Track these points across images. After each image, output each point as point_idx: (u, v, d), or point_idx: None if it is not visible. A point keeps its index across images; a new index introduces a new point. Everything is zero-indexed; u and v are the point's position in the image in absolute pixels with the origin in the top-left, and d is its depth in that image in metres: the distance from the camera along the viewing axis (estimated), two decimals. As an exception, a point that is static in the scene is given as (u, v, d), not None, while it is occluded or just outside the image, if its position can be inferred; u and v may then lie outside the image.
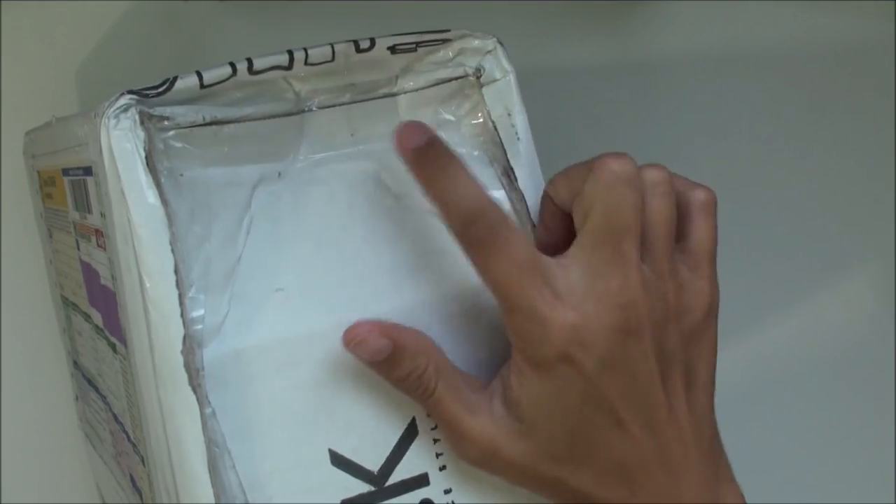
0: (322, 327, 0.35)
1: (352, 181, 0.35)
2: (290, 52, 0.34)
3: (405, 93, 0.36)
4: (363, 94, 0.35)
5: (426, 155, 0.33)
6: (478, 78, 0.37)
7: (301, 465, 0.34)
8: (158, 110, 0.32)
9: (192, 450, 0.32)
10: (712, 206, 0.38)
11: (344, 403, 0.35)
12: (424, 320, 0.37)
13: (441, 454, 0.36)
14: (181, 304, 0.32)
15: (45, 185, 0.52)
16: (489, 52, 0.37)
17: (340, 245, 0.35)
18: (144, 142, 0.31)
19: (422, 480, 0.36)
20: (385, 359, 0.34)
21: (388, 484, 0.36)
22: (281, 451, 0.34)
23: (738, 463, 0.39)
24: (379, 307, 0.35)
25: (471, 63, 0.37)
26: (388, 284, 0.36)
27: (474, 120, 0.37)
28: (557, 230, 0.37)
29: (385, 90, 0.36)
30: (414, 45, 0.36)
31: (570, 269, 0.34)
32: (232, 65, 0.33)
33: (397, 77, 0.36)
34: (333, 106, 0.35)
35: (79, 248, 0.44)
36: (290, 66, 0.34)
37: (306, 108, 0.35)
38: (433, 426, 0.36)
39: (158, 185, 0.32)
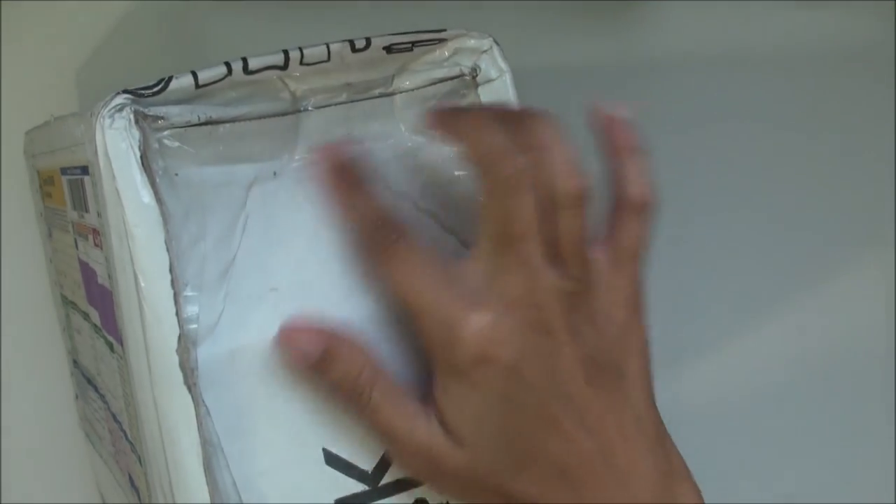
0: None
1: None
2: (286, 52, 0.34)
3: (401, 92, 0.36)
4: (359, 93, 0.35)
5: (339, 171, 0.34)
6: (474, 78, 0.37)
7: (295, 464, 0.34)
8: (153, 110, 0.32)
9: (186, 449, 0.32)
10: (646, 208, 0.37)
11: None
12: None
13: None
14: (176, 303, 0.32)
15: (45, 184, 0.52)
16: (485, 51, 0.37)
17: (335, 245, 0.35)
18: (139, 141, 0.31)
19: (415, 480, 0.36)
20: (319, 360, 0.34)
21: (382, 483, 0.36)
22: (275, 451, 0.34)
23: (738, 463, 0.39)
24: (372, 307, 0.35)
25: (467, 63, 0.37)
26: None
27: None
28: None
29: (381, 90, 0.36)
30: (410, 45, 0.36)
31: (474, 272, 0.34)
32: (227, 64, 0.33)
33: (393, 77, 0.36)
34: (329, 106, 0.35)
35: (77, 248, 0.44)
36: (285, 66, 0.34)
37: (302, 108, 0.35)
38: None
39: (153, 184, 0.32)
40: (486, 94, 0.37)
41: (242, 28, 0.64)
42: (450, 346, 0.33)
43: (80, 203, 0.40)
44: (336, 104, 0.35)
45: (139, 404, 0.34)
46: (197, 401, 0.32)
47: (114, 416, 0.44)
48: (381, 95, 0.36)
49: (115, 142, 0.31)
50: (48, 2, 0.62)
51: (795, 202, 0.60)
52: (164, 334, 0.32)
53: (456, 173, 0.36)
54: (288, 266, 0.34)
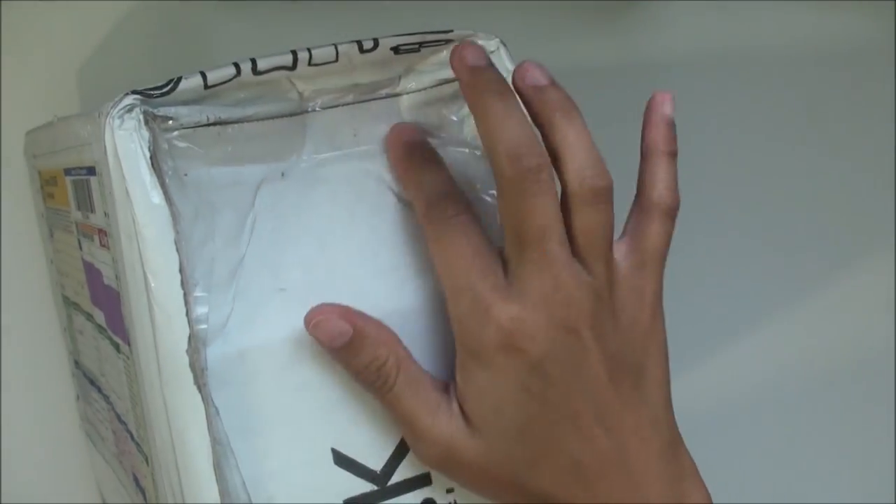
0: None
1: (354, 181, 0.35)
2: (294, 53, 0.34)
3: (407, 93, 0.36)
4: (366, 94, 0.36)
5: (409, 146, 0.35)
6: None
7: (304, 464, 0.34)
8: (163, 110, 0.32)
9: (197, 449, 0.32)
10: (672, 211, 0.38)
11: (347, 403, 0.35)
12: (424, 321, 0.37)
13: None
14: (186, 303, 0.32)
15: (47, 184, 0.52)
16: (492, 52, 0.37)
17: (343, 245, 0.35)
18: (149, 142, 0.31)
19: (424, 480, 0.36)
20: (345, 345, 0.34)
21: (390, 483, 0.36)
22: (284, 451, 0.34)
23: (738, 464, 0.39)
24: (381, 307, 0.35)
25: None
26: (391, 284, 0.36)
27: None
28: None
29: (387, 90, 0.36)
30: (417, 46, 0.36)
31: (508, 266, 0.35)
32: (236, 65, 0.33)
33: (400, 77, 0.36)
34: (336, 106, 0.35)
35: (81, 248, 0.44)
36: (293, 67, 0.34)
37: (309, 109, 0.35)
38: None
39: (163, 184, 0.32)
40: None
41: (242, 28, 0.64)
42: (478, 331, 0.34)
43: (86, 203, 0.40)
44: (343, 105, 0.35)
45: (148, 404, 0.34)
46: (207, 401, 0.32)
47: (118, 417, 0.44)
48: (387, 96, 0.36)
49: (125, 142, 0.32)
50: (48, 2, 0.62)
51: (795, 202, 0.60)
52: (175, 334, 0.32)
53: (462, 173, 0.36)
54: (297, 266, 0.34)
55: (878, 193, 0.58)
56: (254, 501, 0.33)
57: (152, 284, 0.32)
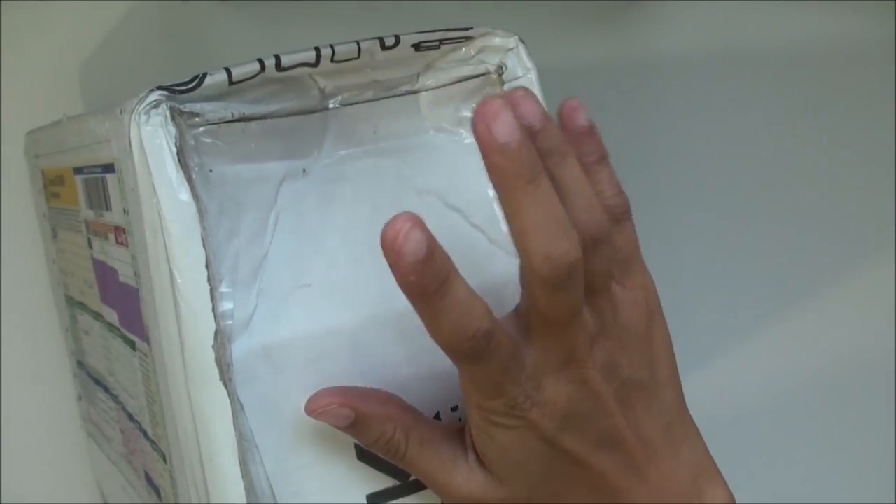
0: (348, 322, 0.35)
1: (375, 177, 0.36)
2: (318, 49, 0.34)
3: (427, 90, 0.36)
4: (386, 91, 0.36)
5: (424, 270, 0.30)
6: (500, 75, 0.37)
7: (327, 459, 0.34)
8: (188, 106, 0.32)
9: (222, 444, 0.32)
10: (626, 212, 0.37)
11: None
12: None
13: None
14: (212, 298, 0.32)
15: (51, 184, 0.52)
16: (511, 49, 0.37)
17: (365, 240, 0.35)
18: (176, 138, 0.32)
19: None
20: (350, 426, 0.34)
21: (413, 478, 0.36)
22: (308, 446, 0.34)
23: (738, 464, 0.39)
24: (403, 302, 0.35)
25: (492, 60, 0.37)
26: None
27: None
28: None
29: (407, 87, 0.36)
30: (437, 43, 0.36)
31: (524, 325, 0.33)
32: (260, 61, 0.33)
33: (419, 74, 0.36)
34: (357, 103, 0.35)
35: (91, 247, 0.44)
36: (316, 63, 0.34)
37: (330, 105, 0.35)
38: (459, 418, 0.37)
39: (190, 180, 0.32)
40: (513, 92, 0.37)
41: (242, 28, 0.64)
42: (491, 403, 0.33)
43: (100, 201, 0.40)
44: (363, 101, 0.35)
45: (171, 401, 0.34)
46: (232, 396, 0.32)
47: (129, 416, 0.44)
48: (406, 93, 0.36)
49: (151, 138, 0.32)
50: (49, 1, 0.62)
51: (795, 202, 0.60)
52: (201, 330, 0.32)
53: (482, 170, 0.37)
54: (320, 262, 0.34)
55: (879, 193, 0.58)
56: (278, 496, 0.34)
57: (178, 280, 0.32)
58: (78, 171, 0.44)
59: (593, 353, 0.34)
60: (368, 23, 0.61)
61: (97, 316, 0.47)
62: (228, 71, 0.33)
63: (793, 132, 0.59)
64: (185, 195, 0.31)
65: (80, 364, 0.56)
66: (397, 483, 0.36)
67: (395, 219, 0.29)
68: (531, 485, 0.35)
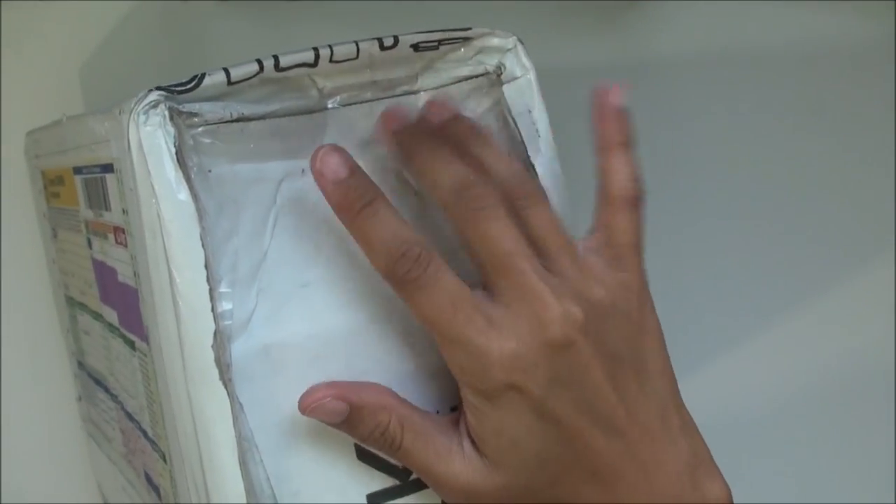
0: (348, 322, 0.35)
1: (374, 177, 0.36)
2: (316, 50, 0.34)
3: (425, 90, 0.36)
4: (384, 91, 0.36)
5: (348, 188, 0.33)
6: (498, 76, 0.37)
7: (327, 459, 0.35)
8: (187, 107, 0.32)
9: (222, 445, 0.32)
10: (636, 201, 0.37)
11: None
12: None
13: None
14: (211, 298, 0.32)
15: (51, 184, 0.52)
16: (509, 50, 0.37)
17: None
18: (174, 138, 0.32)
19: None
20: (345, 420, 0.35)
21: (412, 478, 0.36)
22: (308, 446, 0.34)
23: (738, 463, 0.39)
24: (402, 302, 0.35)
25: (491, 61, 0.37)
26: None
27: (495, 117, 0.37)
28: None
29: (405, 88, 0.36)
30: (436, 43, 0.36)
31: (488, 298, 0.34)
32: (259, 62, 0.33)
33: (418, 75, 0.36)
34: (356, 103, 0.35)
35: (91, 247, 0.44)
36: (315, 64, 0.34)
37: (329, 106, 0.35)
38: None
39: (189, 180, 0.32)
40: (511, 93, 0.37)
41: (242, 28, 0.64)
42: (480, 374, 0.34)
43: (99, 201, 0.40)
44: (362, 102, 0.35)
45: (170, 401, 0.34)
46: (232, 396, 0.32)
47: (129, 416, 0.44)
48: (405, 93, 0.36)
49: (150, 138, 0.32)
50: (49, 2, 0.62)
51: (795, 202, 0.60)
52: (200, 330, 0.32)
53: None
54: (319, 262, 0.34)
55: (879, 193, 0.58)
56: (278, 497, 0.34)
57: (177, 280, 0.32)
58: (78, 171, 0.44)
59: (572, 317, 0.34)
60: (368, 22, 0.61)
61: (97, 316, 0.47)
62: (227, 71, 0.33)
63: (792, 132, 0.59)
64: (183, 195, 0.32)
65: (81, 364, 0.56)
66: (397, 483, 0.36)
67: (317, 149, 0.33)
68: (529, 469, 0.35)
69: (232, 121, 0.33)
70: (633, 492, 0.35)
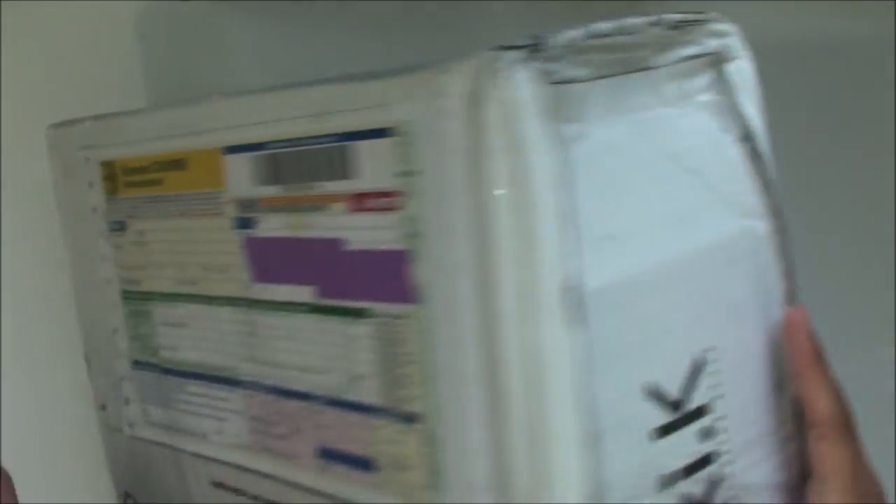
0: (678, 256, 0.38)
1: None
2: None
3: (659, 67, 0.39)
4: (630, 66, 0.39)
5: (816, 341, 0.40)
6: (721, 56, 0.41)
7: (631, 394, 0.36)
8: (545, 65, 0.34)
9: (562, 389, 0.34)
10: (841, 426, 0.39)
11: (670, 338, 0.38)
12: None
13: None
14: (562, 243, 0.34)
15: (131, 173, 0.51)
16: (729, 34, 0.42)
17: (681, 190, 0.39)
18: (540, 95, 0.33)
19: (704, 410, 0.39)
20: None
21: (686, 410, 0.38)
22: (613, 386, 0.36)
23: None
24: (725, 230, 0.39)
25: (714, 43, 0.41)
26: None
27: (717, 93, 0.41)
28: None
29: (644, 64, 0.39)
30: (677, 24, 0.40)
31: None
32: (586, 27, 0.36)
33: (656, 53, 0.40)
34: (607, 77, 0.38)
35: (245, 227, 0.44)
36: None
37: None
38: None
39: (551, 136, 0.34)
40: (732, 73, 0.41)
41: (243, 28, 0.64)
42: None
43: (314, 173, 0.41)
44: (611, 76, 0.38)
45: (503, 346, 0.35)
46: (573, 339, 0.34)
47: (289, 394, 0.43)
48: (644, 68, 0.39)
49: (515, 94, 0.33)
50: (48, 2, 0.62)
51: (794, 203, 0.60)
52: (550, 275, 0.34)
53: (721, 136, 0.41)
54: (643, 207, 0.37)
55: (879, 193, 0.58)
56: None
57: (538, 229, 0.33)
58: (236, 149, 0.44)
59: None
60: (370, 22, 0.62)
61: (229, 301, 0.46)
62: (583, 28, 0.35)
63: (792, 132, 0.59)
64: (547, 150, 0.33)
65: (140, 364, 0.53)
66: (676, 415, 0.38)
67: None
68: None
69: (585, 80, 0.35)
70: None
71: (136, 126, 0.50)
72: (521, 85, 0.33)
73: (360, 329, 0.40)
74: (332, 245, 0.40)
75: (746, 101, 0.41)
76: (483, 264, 0.35)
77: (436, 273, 0.37)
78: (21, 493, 0.58)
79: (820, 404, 0.38)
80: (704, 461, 0.38)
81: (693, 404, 0.38)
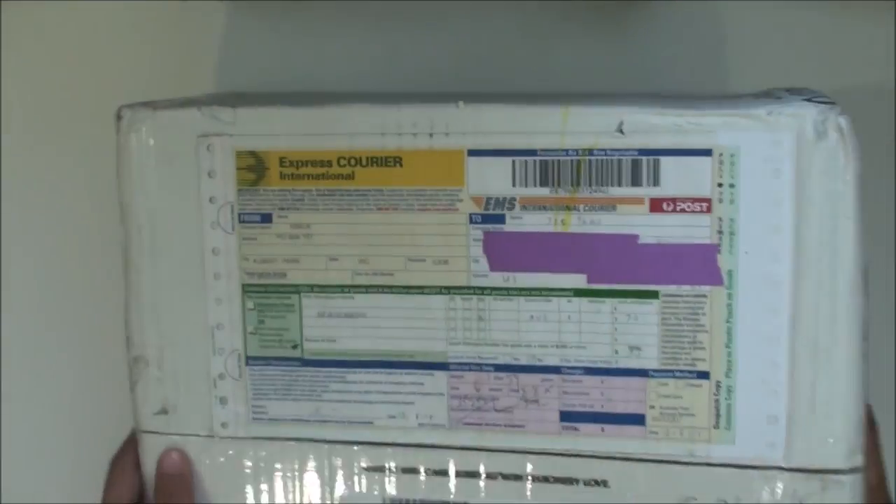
0: None
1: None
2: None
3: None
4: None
5: None
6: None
7: None
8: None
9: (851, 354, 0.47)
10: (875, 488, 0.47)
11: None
12: None
13: None
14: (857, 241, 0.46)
15: (295, 165, 0.50)
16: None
17: None
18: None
19: None
20: None
21: None
22: None
23: None
24: None
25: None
26: None
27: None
28: None
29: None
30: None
31: None
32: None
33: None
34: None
35: (493, 223, 0.49)
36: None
37: None
38: None
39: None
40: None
41: (242, 28, 0.63)
42: None
43: (609, 178, 0.47)
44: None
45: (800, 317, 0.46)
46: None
47: (530, 369, 0.50)
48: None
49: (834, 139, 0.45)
50: (48, 2, 0.61)
51: None
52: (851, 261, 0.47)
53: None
54: None
55: (878, 194, 0.59)
56: None
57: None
58: (488, 153, 0.48)
59: None
60: (370, 22, 0.61)
61: (444, 290, 0.50)
62: None
63: None
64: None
65: (262, 360, 0.53)
66: None
67: None
68: None
69: None
70: None
71: (309, 119, 0.50)
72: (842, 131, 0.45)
73: (647, 307, 0.48)
74: (620, 240, 0.48)
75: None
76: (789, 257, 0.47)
77: (742, 262, 0.47)
78: (21, 492, 0.59)
79: (869, 473, 0.47)
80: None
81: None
